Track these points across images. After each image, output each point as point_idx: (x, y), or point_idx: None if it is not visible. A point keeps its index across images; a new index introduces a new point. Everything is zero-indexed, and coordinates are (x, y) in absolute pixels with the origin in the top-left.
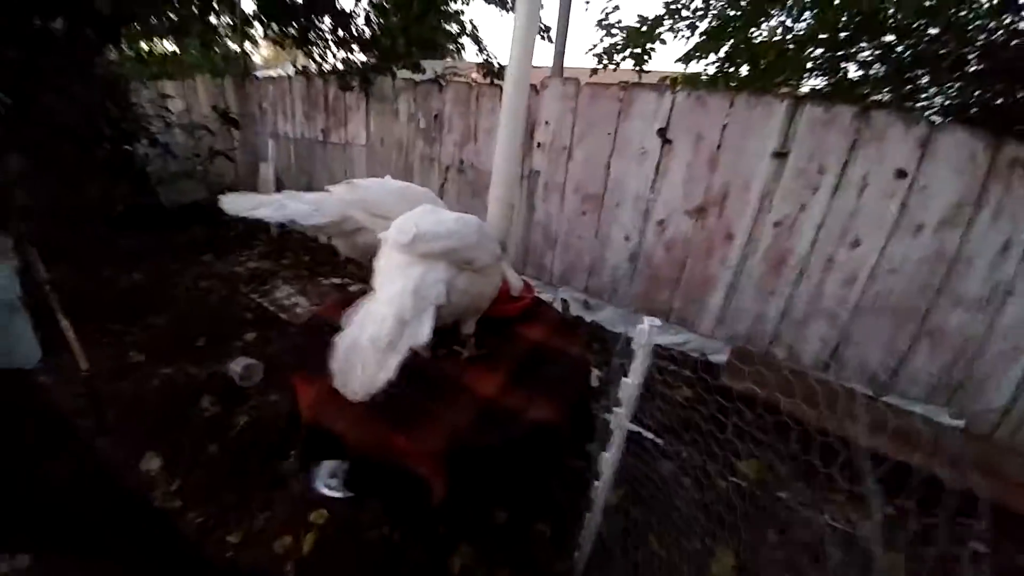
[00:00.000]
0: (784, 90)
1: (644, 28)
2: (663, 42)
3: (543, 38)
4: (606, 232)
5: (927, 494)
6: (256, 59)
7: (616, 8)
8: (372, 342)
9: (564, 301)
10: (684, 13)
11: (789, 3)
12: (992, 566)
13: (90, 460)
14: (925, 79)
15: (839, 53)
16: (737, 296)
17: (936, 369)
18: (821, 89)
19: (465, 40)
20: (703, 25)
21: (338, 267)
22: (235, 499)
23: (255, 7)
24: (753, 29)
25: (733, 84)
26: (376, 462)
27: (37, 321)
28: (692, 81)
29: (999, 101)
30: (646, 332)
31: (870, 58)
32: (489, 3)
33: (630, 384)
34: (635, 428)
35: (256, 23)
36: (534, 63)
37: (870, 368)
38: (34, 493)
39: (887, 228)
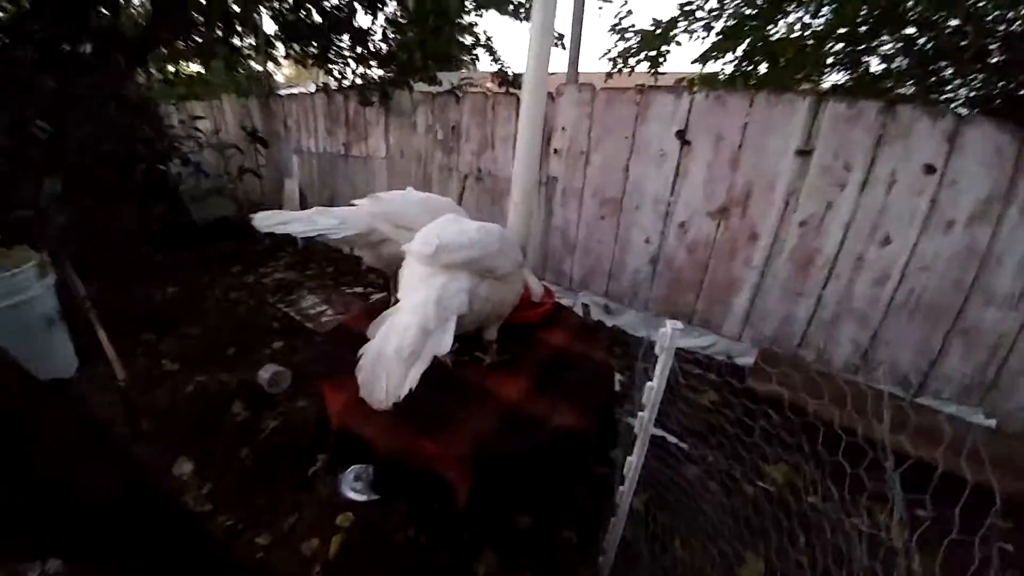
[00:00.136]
0: (805, 87)
1: (658, 31)
2: (678, 44)
3: (557, 45)
4: (626, 236)
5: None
6: (278, 78)
7: (629, 12)
8: (396, 352)
9: (585, 306)
10: (699, 14)
11: None
12: (1006, 562)
13: (125, 466)
14: (949, 71)
15: (860, 47)
16: (763, 297)
17: (969, 369)
18: (843, 84)
19: (479, 51)
20: (719, 25)
21: (361, 277)
22: (264, 502)
23: (277, 28)
24: (770, 26)
25: (752, 83)
26: (403, 466)
27: (74, 334)
28: (709, 81)
29: (1022, 92)
30: (669, 335)
31: (892, 51)
32: (503, 14)
33: (653, 388)
34: (659, 432)
35: (278, 43)
36: (548, 70)
37: (902, 369)
38: (69, 499)
39: (918, 225)
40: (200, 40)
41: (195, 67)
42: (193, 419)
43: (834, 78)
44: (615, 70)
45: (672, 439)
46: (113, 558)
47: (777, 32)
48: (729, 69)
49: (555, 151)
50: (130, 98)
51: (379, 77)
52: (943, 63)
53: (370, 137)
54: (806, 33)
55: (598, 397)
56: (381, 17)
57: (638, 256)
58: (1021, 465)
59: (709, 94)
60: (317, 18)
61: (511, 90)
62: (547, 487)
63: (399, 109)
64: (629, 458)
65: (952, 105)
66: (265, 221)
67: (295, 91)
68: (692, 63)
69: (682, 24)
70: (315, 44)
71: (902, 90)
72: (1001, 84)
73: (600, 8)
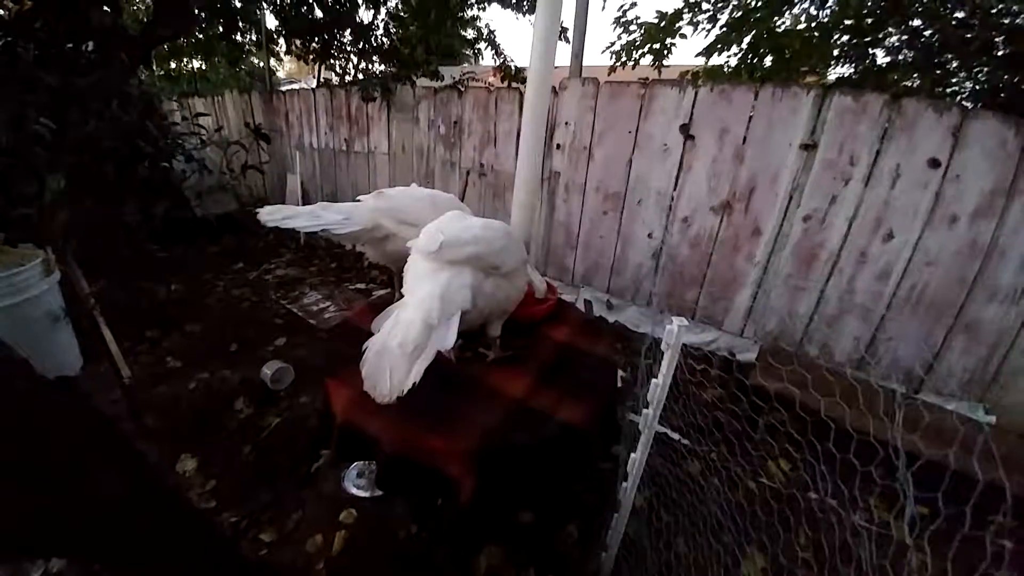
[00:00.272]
0: (810, 79)
1: (663, 24)
2: (683, 36)
3: (560, 38)
4: (628, 231)
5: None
6: (280, 74)
7: (634, 5)
8: (400, 346)
9: (587, 302)
10: (704, 6)
11: None
12: (1015, 561)
13: (132, 464)
14: (954, 64)
15: (866, 39)
16: (765, 293)
17: (971, 364)
18: (849, 77)
19: (482, 45)
20: (724, 17)
21: (364, 273)
22: (268, 499)
23: (278, 24)
24: (776, 18)
25: (757, 75)
26: (407, 462)
27: (79, 331)
28: (713, 74)
29: None
30: (675, 332)
31: (897, 44)
32: (506, 8)
33: (658, 385)
34: (664, 430)
35: (280, 39)
36: (553, 65)
37: (904, 364)
38: (76, 497)
39: (921, 220)
40: (202, 36)
41: (197, 63)
42: (196, 416)
43: (840, 70)
44: (618, 63)
45: (674, 435)
46: (118, 556)
47: (783, 24)
48: (734, 62)
49: (558, 146)
50: (133, 95)
51: (381, 72)
52: (949, 55)
53: (372, 132)
54: (812, 25)
55: (602, 393)
56: (383, 12)
57: (640, 251)
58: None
59: (713, 88)
60: (319, 13)
61: (513, 84)
62: (551, 483)
63: (401, 104)
64: (633, 455)
65: (957, 98)
66: (270, 216)
67: (297, 87)
68: (697, 56)
69: (687, 16)
70: (317, 40)
71: (907, 83)
72: (1006, 77)
73: (604, 0)
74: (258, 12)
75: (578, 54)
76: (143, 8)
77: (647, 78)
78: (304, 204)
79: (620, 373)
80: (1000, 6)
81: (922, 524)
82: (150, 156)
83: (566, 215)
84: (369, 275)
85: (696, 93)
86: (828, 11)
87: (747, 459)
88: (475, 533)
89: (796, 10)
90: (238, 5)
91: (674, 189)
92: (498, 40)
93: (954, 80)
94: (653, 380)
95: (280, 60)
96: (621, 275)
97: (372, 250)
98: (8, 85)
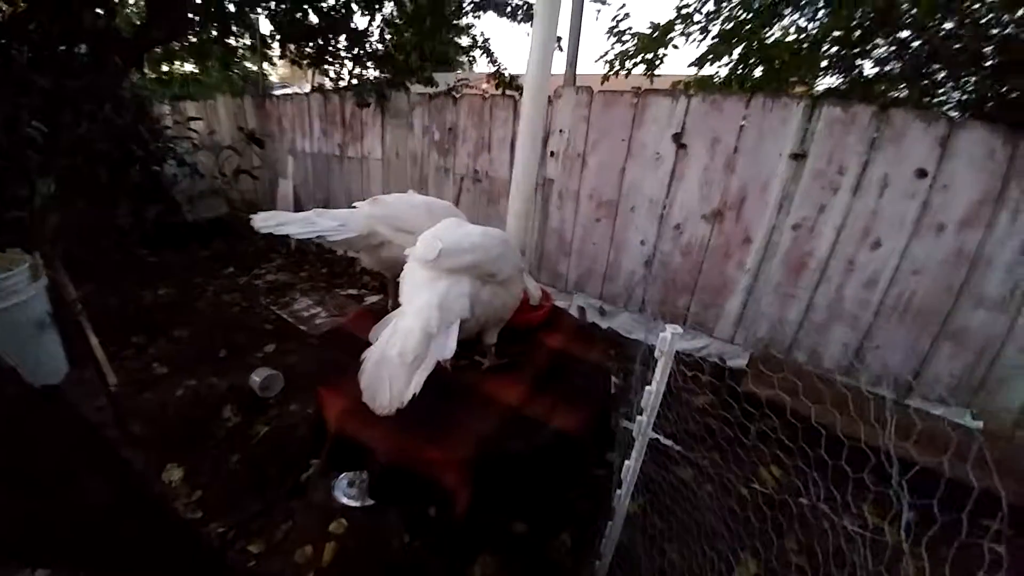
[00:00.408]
0: (799, 90)
1: (655, 34)
2: (675, 47)
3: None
4: (621, 238)
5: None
6: (272, 78)
7: (627, 15)
8: (400, 356)
9: (581, 308)
10: (696, 17)
11: (802, 2)
12: (1012, 568)
13: (117, 473)
14: (941, 75)
15: (854, 51)
16: (756, 300)
17: (958, 370)
18: (837, 88)
19: (476, 52)
20: (715, 28)
21: (355, 279)
22: (256, 509)
23: (272, 28)
24: (766, 29)
25: (747, 86)
26: (402, 472)
27: (64, 337)
28: (704, 84)
29: (1015, 95)
30: (668, 339)
31: (885, 55)
32: (501, 16)
33: (652, 392)
34: (659, 438)
35: (274, 43)
36: (550, 75)
37: (892, 370)
38: (61, 506)
39: (908, 229)
40: (195, 40)
41: (189, 67)
42: (183, 424)
43: (828, 81)
44: (611, 72)
45: (666, 441)
46: (104, 564)
47: (772, 35)
48: (724, 72)
49: (552, 153)
50: (125, 98)
51: (375, 78)
52: (936, 66)
53: (366, 138)
54: (801, 36)
55: (596, 400)
56: (378, 18)
57: (633, 258)
58: (1010, 466)
59: (705, 97)
60: (314, 19)
61: (508, 92)
62: (545, 491)
63: (395, 110)
64: (627, 462)
65: (944, 108)
66: (264, 222)
67: (290, 91)
68: (689, 66)
69: (679, 27)
70: (312, 45)
71: (895, 93)
72: (994, 87)
73: (598, 10)
74: (252, 16)
75: (572, 63)
76: (136, 11)
77: (640, 87)
78: (296, 209)
79: (613, 379)
80: (991, 16)
81: (916, 530)
82: (141, 160)
83: (560, 222)
84: (361, 281)
85: (689, 103)
86: (817, 23)
87: (739, 465)
88: (469, 543)
89: (786, 21)
90: (232, 9)
91: (666, 197)
92: (492, 48)
93: (941, 91)
94: (647, 387)
95: (274, 64)
96: (614, 281)
97: (367, 257)
98: (1, 87)
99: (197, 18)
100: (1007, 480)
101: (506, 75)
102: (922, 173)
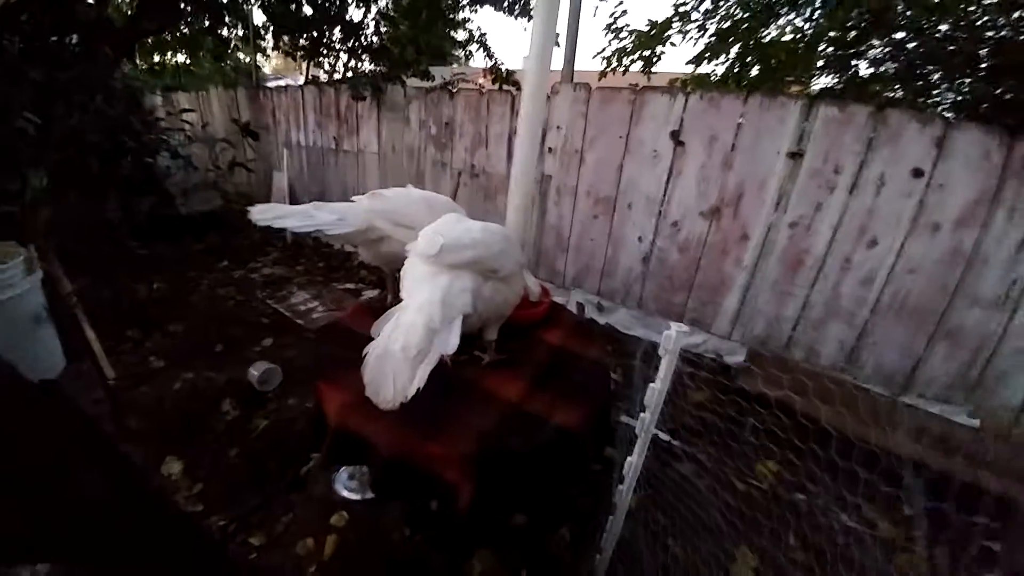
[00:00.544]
0: (795, 89)
1: (653, 31)
2: (673, 44)
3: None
4: (619, 234)
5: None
6: (266, 69)
7: (624, 12)
8: (403, 351)
9: (580, 304)
10: (693, 15)
11: (800, 1)
12: (1008, 563)
13: (116, 467)
14: (936, 76)
15: (850, 51)
16: (753, 297)
17: (954, 369)
18: (832, 87)
19: (473, 46)
20: (712, 27)
21: (352, 273)
22: (257, 502)
23: (265, 19)
24: (763, 29)
25: (744, 84)
26: (404, 467)
27: (61, 331)
28: (701, 82)
29: (1009, 97)
30: (673, 337)
31: (881, 56)
32: (498, 10)
33: (656, 390)
34: (662, 436)
35: (267, 35)
36: (550, 71)
37: (888, 369)
38: (58, 502)
39: (904, 228)
40: (187, 31)
41: (181, 58)
42: (181, 417)
43: (823, 81)
44: (608, 69)
45: (664, 436)
46: (102, 559)
47: (769, 35)
48: (721, 70)
49: (549, 149)
50: (117, 88)
51: (371, 71)
52: (931, 67)
53: (361, 132)
54: (797, 36)
55: (596, 396)
56: (373, 10)
57: (631, 255)
58: (1006, 465)
59: (703, 95)
60: (308, 10)
61: (504, 86)
62: (545, 487)
63: (391, 104)
64: (629, 458)
65: (939, 109)
66: (262, 215)
67: (284, 83)
68: (687, 64)
69: (676, 25)
70: (306, 36)
71: (890, 94)
72: (988, 89)
73: (596, 7)
74: (246, 6)
75: (570, 59)
76: (127, 1)
77: (636, 84)
78: (292, 203)
79: (612, 376)
80: (986, 19)
81: (929, 529)
82: (133, 151)
83: (557, 218)
84: (358, 275)
85: (687, 100)
86: (813, 23)
87: (736, 460)
88: (468, 537)
89: (782, 21)
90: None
91: (664, 194)
92: (489, 42)
93: (935, 92)
94: (650, 384)
95: (267, 56)
96: (611, 278)
97: (366, 251)
98: None
99: (189, 8)
100: (1007, 479)
101: (503, 70)
102: (918, 173)
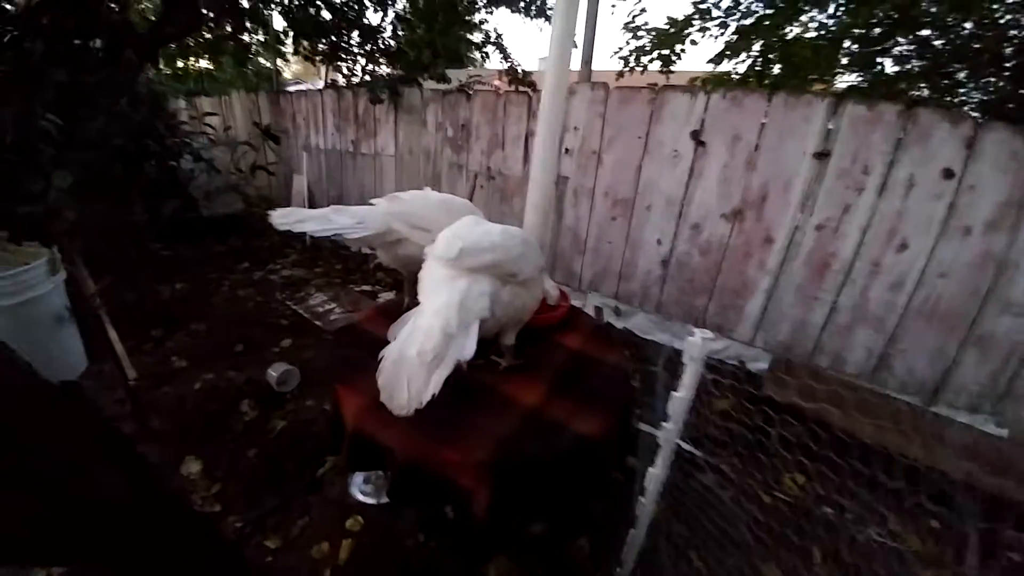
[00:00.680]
0: (819, 87)
1: (672, 30)
2: (694, 43)
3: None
4: (637, 237)
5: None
6: (286, 74)
7: (643, 11)
8: (419, 355)
9: (598, 308)
10: (714, 12)
11: None
12: None
13: (135, 468)
14: (962, 74)
15: (874, 48)
16: (777, 302)
17: (983, 377)
18: (857, 85)
19: (489, 48)
20: (733, 24)
21: (369, 275)
22: (274, 504)
23: (286, 24)
24: (786, 25)
25: (766, 83)
26: (421, 473)
27: (83, 331)
28: (722, 81)
29: None
30: (698, 344)
31: (906, 53)
32: (514, 12)
33: (681, 399)
34: (685, 446)
35: (288, 39)
36: (569, 71)
37: (917, 377)
38: (77, 503)
39: (935, 231)
40: (210, 36)
41: (204, 63)
42: (201, 417)
43: (847, 79)
44: (627, 68)
45: (687, 447)
46: (120, 559)
47: (792, 31)
48: (742, 69)
49: (567, 150)
50: (141, 93)
51: (388, 74)
52: (957, 65)
53: (379, 134)
54: (821, 33)
55: (618, 403)
56: (391, 14)
57: (649, 257)
58: None
59: (726, 94)
60: (327, 15)
61: (521, 88)
62: (565, 495)
63: (408, 107)
64: (651, 469)
65: (965, 108)
66: (283, 219)
67: (303, 87)
68: (707, 62)
69: (697, 23)
70: (325, 41)
71: (915, 92)
72: (1015, 89)
73: (614, 6)
74: (267, 12)
75: (588, 59)
76: (151, 6)
77: (655, 84)
78: (310, 205)
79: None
80: (1009, 18)
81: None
82: (157, 155)
83: (574, 220)
84: (375, 277)
85: (708, 99)
86: (837, 20)
87: (762, 471)
88: (484, 544)
89: (805, 18)
90: (246, 5)
91: (684, 195)
92: (505, 44)
93: (962, 90)
94: (674, 393)
95: (287, 61)
96: (629, 281)
97: (384, 254)
98: (16, 81)
99: (211, 14)
100: None
101: (519, 71)
102: (949, 174)
